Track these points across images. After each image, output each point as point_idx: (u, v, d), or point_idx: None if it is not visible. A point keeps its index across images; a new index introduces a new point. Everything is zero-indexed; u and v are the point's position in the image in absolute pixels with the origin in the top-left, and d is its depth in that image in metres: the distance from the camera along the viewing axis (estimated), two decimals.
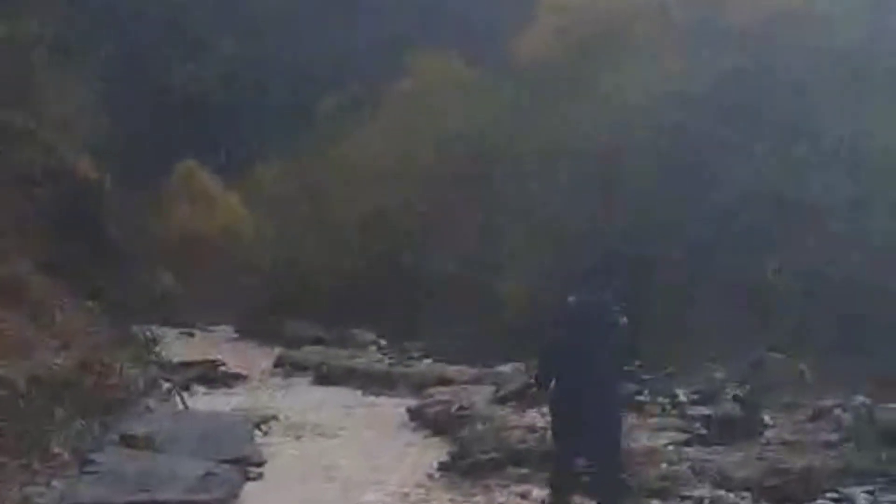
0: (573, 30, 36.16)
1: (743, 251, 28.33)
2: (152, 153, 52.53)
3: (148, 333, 26.71)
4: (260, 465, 16.60)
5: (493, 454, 16.25)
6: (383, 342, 32.75)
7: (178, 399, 22.39)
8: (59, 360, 19.17)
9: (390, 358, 29.69)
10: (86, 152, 51.52)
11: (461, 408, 20.32)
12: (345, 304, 35.58)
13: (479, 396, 21.51)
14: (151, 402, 21.41)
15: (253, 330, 38.24)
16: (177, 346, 33.72)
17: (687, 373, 23.13)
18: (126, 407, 20.20)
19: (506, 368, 25.51)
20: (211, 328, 40.42)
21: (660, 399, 19.89)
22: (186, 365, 27.32)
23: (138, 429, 17.24)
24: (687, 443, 16.79)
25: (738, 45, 31.91)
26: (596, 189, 31.69)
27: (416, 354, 30.47)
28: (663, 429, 17.51)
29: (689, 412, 18.61)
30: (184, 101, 60.34)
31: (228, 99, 58.80)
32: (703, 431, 17.52)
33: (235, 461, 16.09)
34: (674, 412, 18.97)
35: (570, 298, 12.04)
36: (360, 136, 39.74)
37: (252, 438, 18.58)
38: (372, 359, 29.31)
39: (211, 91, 60.26)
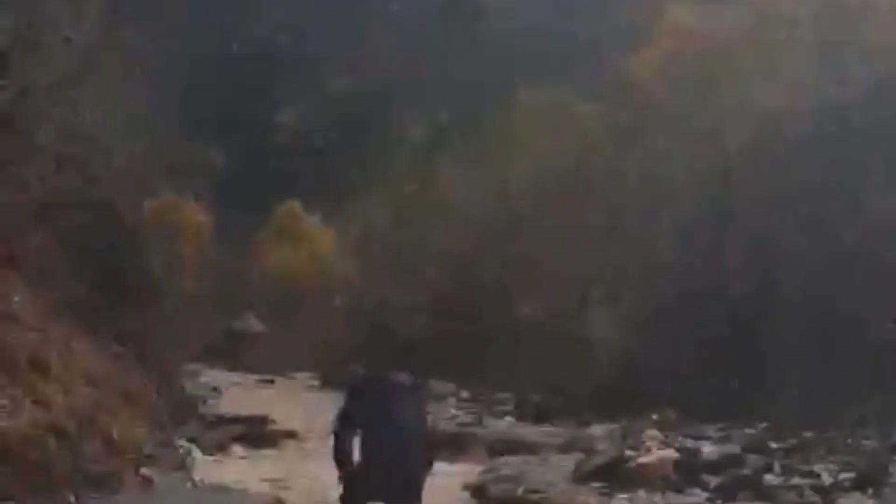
0: (689, 50, 31.03)
1: (863, 292, 22.48)
2: (258, 192, 49.46)
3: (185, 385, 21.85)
4: None
5: None
6: (465, 394, 27.52)
7: (189, 464, 17.48)
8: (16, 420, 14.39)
9: (469, 413, 24.48)
10: (189, 192, 49.07)
11: (530, 491, 14.96)
12: (430, 350, 30.49)
13: (557, 472, 16.15)
14: (155, 473, 16.46)
15: (335, 378, 33.31)
16: (244, 396, 29.55)
17: (825, 440, 17.51)
18: (111, 481, 15.35)
19: (599, 431, 20.22)
20: (294, 375, 35.73)
21: (796, 480, 14.31)
22: (232, 420, 22.44)
23: None
24: None
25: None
26: (708, 226, 26.26)
27: (499, 409, 25.18)
28: None
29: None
30: (290, 139, 57.26)
31: (334, 136, 55.37)
32: None
33: None
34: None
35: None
36: (454, 171, 34.82)
37: None
38: (443, 415, 24.10)
39: (317, 129, 56.85)
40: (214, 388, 29.30)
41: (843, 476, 14.85)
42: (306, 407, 27.58)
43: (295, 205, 47.67)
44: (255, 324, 39.85)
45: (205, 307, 41.71)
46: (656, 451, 16.17)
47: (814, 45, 29.07)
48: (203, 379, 32.54)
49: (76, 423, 15.89)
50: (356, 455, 9.06)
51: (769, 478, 15.04)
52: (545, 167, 32.95)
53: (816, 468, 15.83)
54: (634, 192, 28.79)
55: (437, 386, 28.41)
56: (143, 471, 16.55)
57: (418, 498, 8.92)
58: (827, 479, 14.77)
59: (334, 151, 52.78)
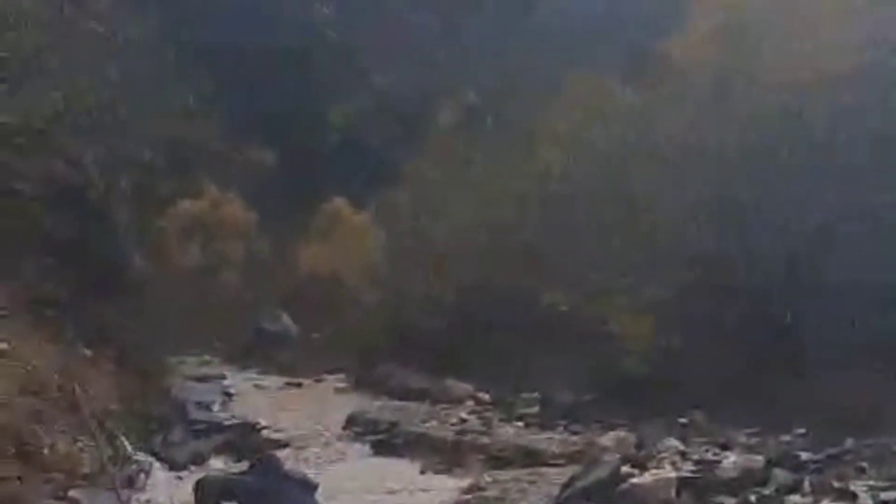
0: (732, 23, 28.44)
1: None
2: (305, 190, 47.53)
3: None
4: None
5: None
6: (485, 395, 24.90)
7: (140, 483, 15.20)
8: None
9: (480, 417, 21.87)
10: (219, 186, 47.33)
11: None
12: (453, 349, 28.07)
13: (542, 494, 13.50)
14: (87, 495, 14.18)
15: (364, 379, 31.00)
16: (259, 400, 27.42)
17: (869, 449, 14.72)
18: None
19: (608, 440, 17.44)
20: (325, 377, 33.32)
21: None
22: (220, 429, 20.14)
23: None
24: None
25: None
26: (744, 213, 23.29)
27: (519, 412, 22.56)
28: None
29: None
30: (340, 137, 55.21)
31: (381, 132, 53.17)
32: None
33: None
34: None
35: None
36: (484, 152, 32.33)
37: None
38: (449, 422, 21.57)
39: (365, 125, 54.65)
40: (227, 393, 27.06)
41: (885, 496, 11.99)
42: (323, 412, 25.48)
43: (339, 202, 45.27)
44: (288, 323, 37.57)
45: (238, 306, 39.79)
46: (653, 472, 13.38)
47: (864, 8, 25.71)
48: (226, 381, 30.58)
49: None
50: None
51: (795, 500, 12.20)
52: (580, 154, 30.11)
53: (854, 486, 12.96)
54: (668, 178, 25.80)
55: (454, 388, 25.89)
56: (73, 493, 14.28)
57: None
58: (865, 501, 11.94)
59: (383, 148, 50.47)
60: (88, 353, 19.07)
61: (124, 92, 22.80)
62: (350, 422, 22.85)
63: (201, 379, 28.75)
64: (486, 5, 54.47)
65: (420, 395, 26.56)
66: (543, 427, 20.84)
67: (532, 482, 14.98)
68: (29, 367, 15.90)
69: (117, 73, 21.49)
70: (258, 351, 36.84)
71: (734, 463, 14.99)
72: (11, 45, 16.71)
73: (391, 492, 16.93)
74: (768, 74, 25.76)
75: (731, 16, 28.99)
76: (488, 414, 23.01)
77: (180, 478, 16.77)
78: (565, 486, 13.90)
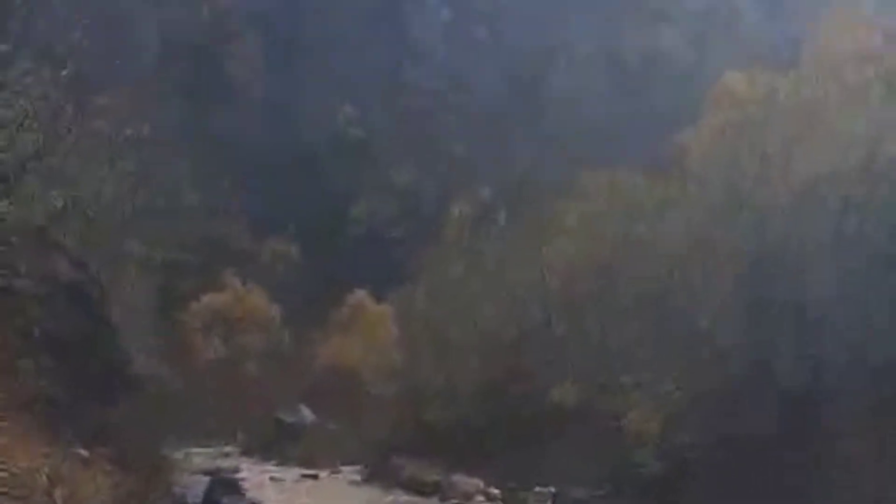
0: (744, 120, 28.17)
1: None
2: (326, 283, 47.46)
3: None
4: None
5: None
6: (494, 490, 24.19)
7: None
8: None
9: None
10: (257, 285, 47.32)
11: None
12: (469, 441, 27.53)
13: None
14: None
15: (378, 471, 30.41)
16: (279, 494, 26.95)
17: None
18: None
19: None
20: (341, 468, 32.77)
21: None
22: None
23: None
24: None
25: None
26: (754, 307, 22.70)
27: None
28: None
29: None
30: (361, 231, 55.45)
31: (401, 227, 53.38)
32: None
33: None
34: None
35: None
36: (498, 248, 32.05)
37: None
38: None
39: (385, 220, 54.91)
40: (233, 485, 26.45)
41: None
42: None
43: (361, 294, 45.18)
44: (307, 415, 37.14)
45: (258, 398, 39.45)
46: None
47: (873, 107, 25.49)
48: (241, 474, 30.04)
49: None
50: None
51: None
52: (590, 249, 29.76)
53: None
54: (678, 271, 25.35)
55: (462, 483, 25.21)
56: None
57: None
58: None
59: (402, 242, 50.65)
60: (85, 453, 18.57)
61: (137, 189, 22.74)
62: None
63: (212, 472, 28.18)
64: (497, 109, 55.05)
65: (432, 489, 25.97)
66: None
67: None
68: (16, 470, 15.43)
69: (133, 167, 21.39)
70: (276, 442, 36.42)
71: None
72: (8, 145, 16.57)
73: None
74: (778, 170, 25.41)
75: (744, 113, 28.74)
76: None
77: None
78: None
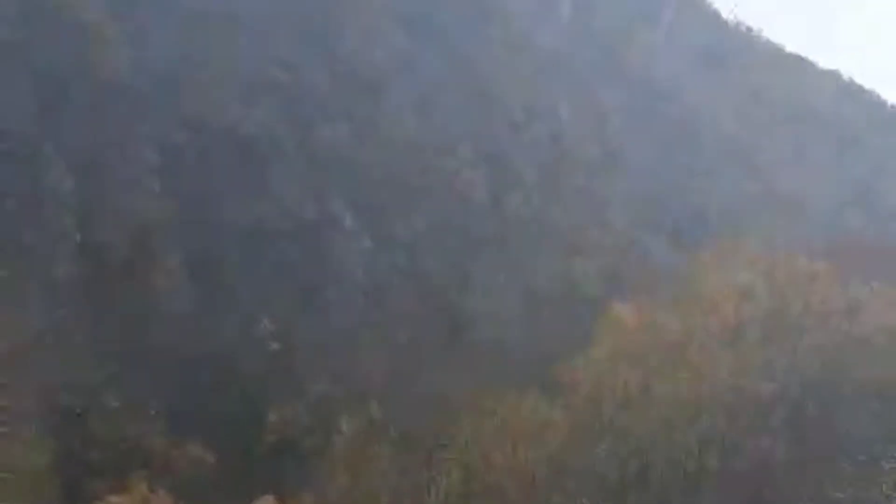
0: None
1: None
2: (238, 487, 47.49)
3: None
4: None
5: None
6: None
7: None
8: None
9: None
10: None
11: None
12: None
13: None
14: None
15: None
16: None
17: None
18: None
19: None
20: None
21: None
22: None
23: None
24: None
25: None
26: None
27: None
28: None
29: None
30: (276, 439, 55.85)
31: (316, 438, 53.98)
32: None
33: None
34: None
35: None
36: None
37: None
38: None
39: (301, 430, 55.54)
40: None
41: None
42: None
43: (269, 500, 45.45)
44: None
45: None
46: None
47: (755, 345, 28.33)
48: None
49: None
50: None
51: None
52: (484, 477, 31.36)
53: None
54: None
55: None
56: None
57: None
58: None
59: (317, 454, 51.23)
60: None
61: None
62: None
63: None
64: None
65: None
66: None
67: None
68: None
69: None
70: None
71: None
72: None
73: None
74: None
75: (633, 337, 30.99)
76: None
77: None
78: None
